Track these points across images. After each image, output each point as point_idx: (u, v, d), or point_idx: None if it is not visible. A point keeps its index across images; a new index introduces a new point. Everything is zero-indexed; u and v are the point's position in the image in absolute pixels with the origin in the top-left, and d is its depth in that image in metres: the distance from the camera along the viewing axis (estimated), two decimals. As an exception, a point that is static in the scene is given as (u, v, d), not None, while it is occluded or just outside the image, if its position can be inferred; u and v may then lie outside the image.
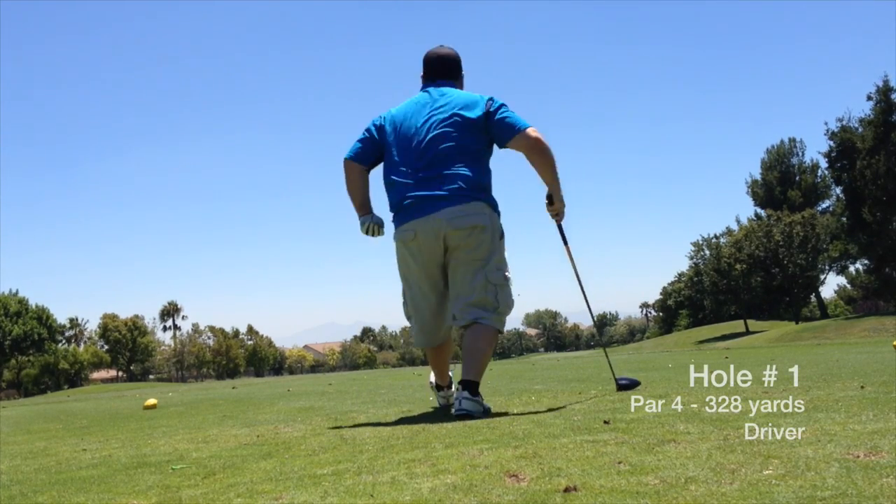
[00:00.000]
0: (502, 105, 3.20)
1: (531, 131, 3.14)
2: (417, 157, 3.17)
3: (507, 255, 3.29)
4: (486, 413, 3.07)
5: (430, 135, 3.16)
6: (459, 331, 3.31)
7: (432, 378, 3.75)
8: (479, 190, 3.17)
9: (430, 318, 3.35)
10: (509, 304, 3.24)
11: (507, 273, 3.23)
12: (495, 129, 3.17)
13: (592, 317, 3.66)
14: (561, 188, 3.30)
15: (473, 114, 3.17)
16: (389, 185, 3.27)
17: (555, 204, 3.32)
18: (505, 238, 3.29)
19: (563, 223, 3.45)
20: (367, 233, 3.33)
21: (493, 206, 3.23)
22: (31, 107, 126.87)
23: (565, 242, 3.51)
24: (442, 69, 3.35)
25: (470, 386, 3.03)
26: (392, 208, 3.27)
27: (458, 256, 3.15)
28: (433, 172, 3.13)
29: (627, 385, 3.71)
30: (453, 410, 3.03)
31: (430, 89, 3.31)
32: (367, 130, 3.34)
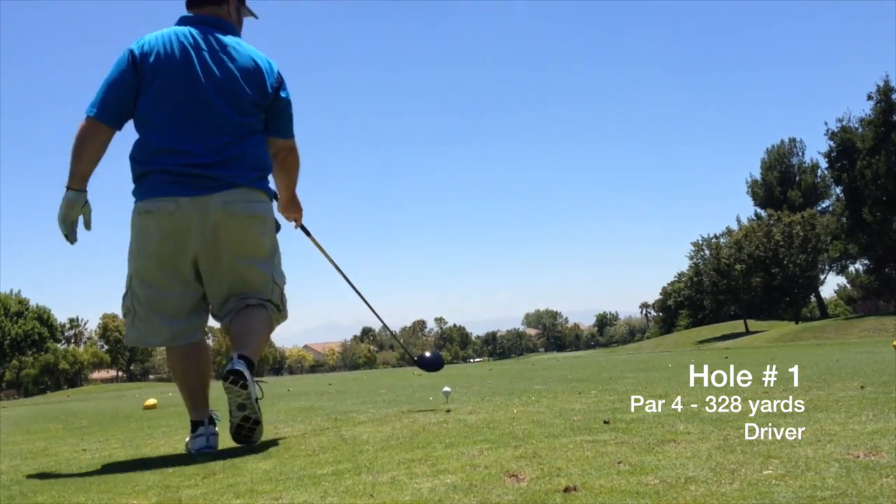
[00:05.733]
0: (286, 91, 2.74)
1: (295, 143, 2.84)
2: (191, 119, 2.53)
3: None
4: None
5: (213, 97, 2.54)
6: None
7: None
8: (264, 177, 2.69)
9: (182, 305, 2.60)
10: (287, 309, 2.82)
11: (284, 273, 2.80)
12: (275, 114, 2.71)
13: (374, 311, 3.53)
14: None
15: (265, 86, 2.64)
16: (145, 145, 2.57)
17: (299, 207, 3.04)
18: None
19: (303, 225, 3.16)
20: (71, 217, 2.52)
21: (272, 198, 2.76)
22: (32, 106, 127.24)
23: (319, 245, 3.25)
24: None
25: (248, 361, 2.43)
26: (143, 177, 2.55)
27: (232, 250, 2.55)
28: (214, 146, 2.53)
29: (430, 361, 3.55)
30: (226, 369, 2.42)
31: (200, 27, 2.62)
32: (123, 72, 2.53)
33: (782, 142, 54.24)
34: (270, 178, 2.79)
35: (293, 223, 3.12)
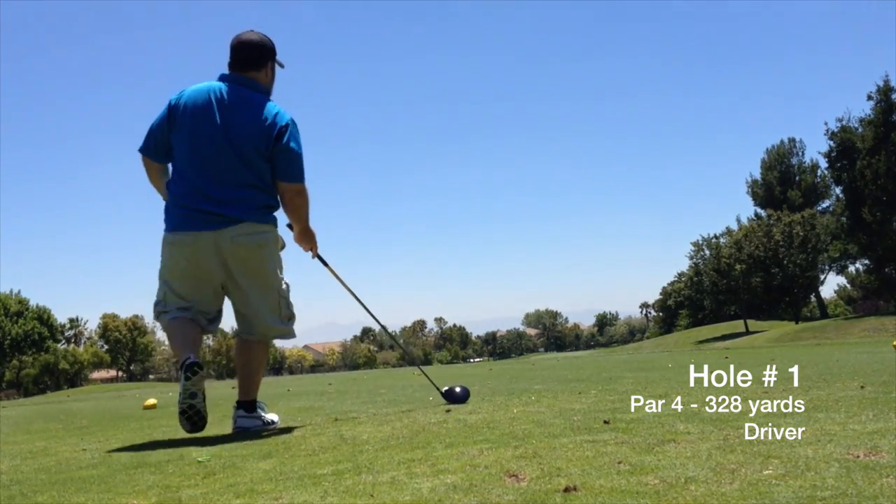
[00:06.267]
0: (297, 139, 3.12)
1: (303, 186, 3.18)
2: (209, 163, 3.04)
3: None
4: (272, 424, 3.25)
5: (227, 144, 3.02)
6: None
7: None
8: (269, 213, 3.15)
9: (210, 308, 3.21)
10: (294, 311, 3.30)
11: (286, 282, 3.27)
12: (279, 161, 3.08)
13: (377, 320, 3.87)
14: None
15: (271, 136, 3.05)
16: (175, 181, 3.14)
17: (312, 238, 3.35)
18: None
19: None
20: None
21: (276, 224, 3.21)
22: (33, 108, 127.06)
23: (332, 270, 3.50)
24: (243, 58, 3.14)
25: (247, 405, 3.23)
26: (171, 207, 3.13)
27: (241, 272, 3.09)
28: (225, 187, 3.03)
29: (458, 396, 3.77)
30: (233, 429, 3.20)
31: (231, 85, 3.11)
32: (160, 120, 3.12)
33: (782, 142, 54.26)
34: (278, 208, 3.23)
35: (309, 253, 3.40)
